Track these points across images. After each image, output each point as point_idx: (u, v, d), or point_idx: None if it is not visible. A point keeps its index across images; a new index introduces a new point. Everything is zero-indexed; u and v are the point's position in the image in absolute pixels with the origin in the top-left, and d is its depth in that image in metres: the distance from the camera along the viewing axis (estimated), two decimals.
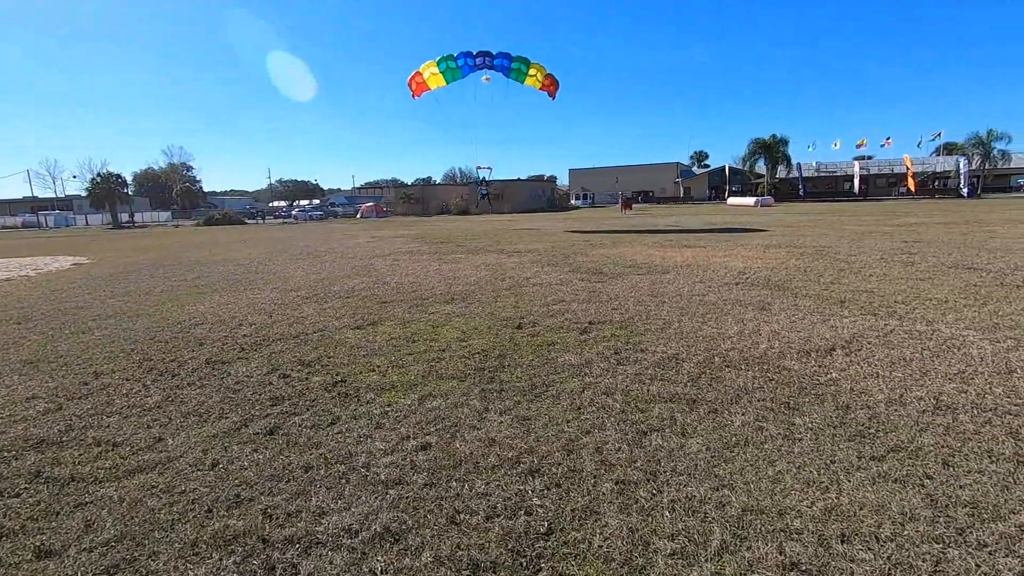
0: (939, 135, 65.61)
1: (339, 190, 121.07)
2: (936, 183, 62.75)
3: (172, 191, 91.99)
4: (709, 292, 7.63)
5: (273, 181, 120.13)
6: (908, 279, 8.29)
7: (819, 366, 4.48)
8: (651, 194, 79.50)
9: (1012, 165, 58.06)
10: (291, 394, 4.25)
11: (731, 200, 54.82)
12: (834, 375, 4.27)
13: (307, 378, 4.61)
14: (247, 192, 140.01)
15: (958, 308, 6.30)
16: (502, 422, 3.62)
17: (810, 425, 3.42)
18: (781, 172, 64.56)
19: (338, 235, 26.03)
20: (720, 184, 77.14)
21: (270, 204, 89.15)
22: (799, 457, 3.05)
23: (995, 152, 55.19)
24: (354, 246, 18.54)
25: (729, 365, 4.56)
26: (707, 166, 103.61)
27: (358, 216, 58.81)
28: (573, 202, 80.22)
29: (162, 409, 4.04)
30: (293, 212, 63.94)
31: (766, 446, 3.19)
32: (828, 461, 2.99)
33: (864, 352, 4.82)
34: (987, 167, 56.43)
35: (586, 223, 28.44)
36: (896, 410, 3.60)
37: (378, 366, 4.87)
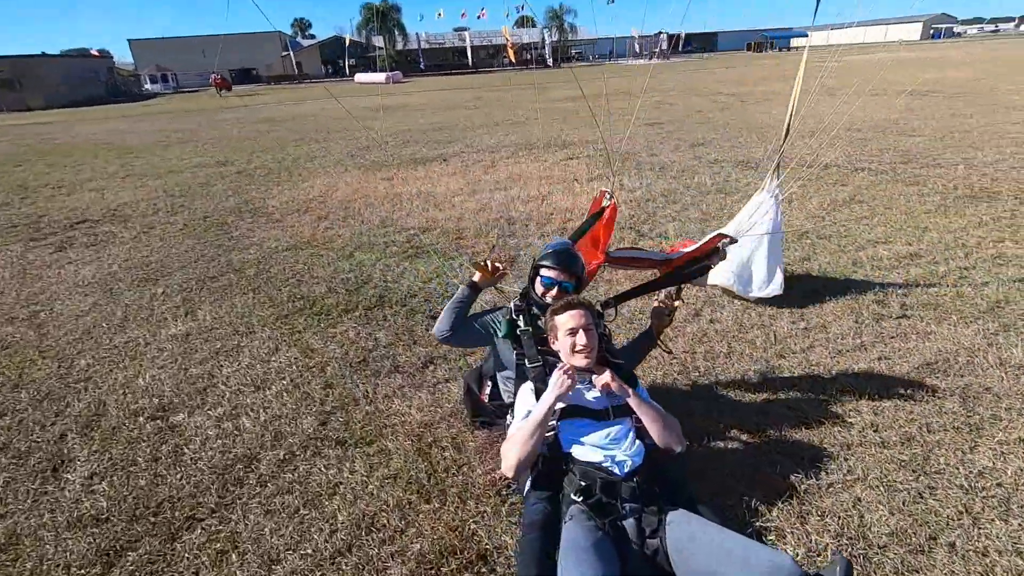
0: (523, 7, 72.05)
1: None
2: (526, 53, 69.81)
3: None
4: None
5: None
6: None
7: None
8: (255, 72, 64.87)
9: (579, 37, 68.54)
10: None
11: (360, 77, 48.18)
12: None
13: None
14: None
15: None
16: None
17: None
18: (399, 44, 60.78)
19: None
20: (336, 58, 68.34)
21: None
22: None
23: (567, 25, 63.62)
24: None
25: None
26: (313, 36, 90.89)
27: None
28: (148, 87, 59.21)
29: None
30: None
31: None
32: None
33: None
34: (562, 39, 65.01)
35: (199, 123, 18.41)
36: None
37: None
